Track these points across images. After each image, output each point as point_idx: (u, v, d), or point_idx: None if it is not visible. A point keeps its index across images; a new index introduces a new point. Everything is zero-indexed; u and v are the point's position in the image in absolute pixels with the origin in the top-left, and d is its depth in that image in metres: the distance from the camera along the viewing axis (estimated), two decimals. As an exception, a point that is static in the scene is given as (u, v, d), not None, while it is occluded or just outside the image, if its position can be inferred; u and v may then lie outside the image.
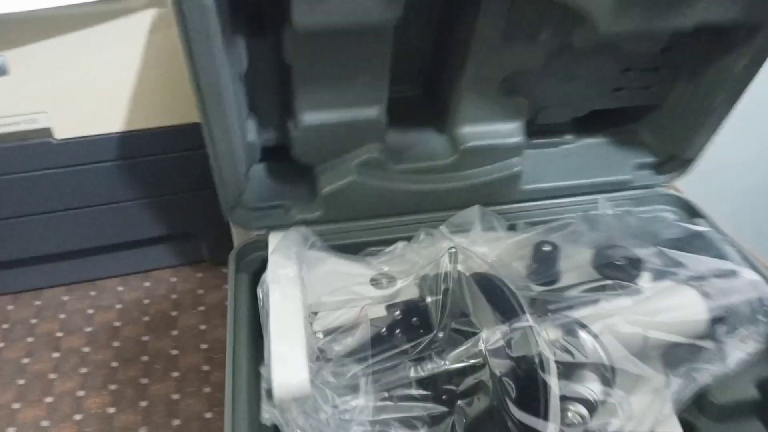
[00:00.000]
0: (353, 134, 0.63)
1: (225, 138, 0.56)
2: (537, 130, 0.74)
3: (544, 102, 0.69)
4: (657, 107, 0.73)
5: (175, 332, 0.77)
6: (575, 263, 0.55)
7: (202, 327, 0.78)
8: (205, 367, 0.72)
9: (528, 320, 0.44)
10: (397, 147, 0.68)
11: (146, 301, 0.81)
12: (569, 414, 0.43)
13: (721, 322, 0.51)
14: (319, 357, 0.47)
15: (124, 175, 0.74)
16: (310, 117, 0.61)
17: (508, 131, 0.68)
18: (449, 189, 0.68)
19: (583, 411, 0.43)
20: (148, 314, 0.79)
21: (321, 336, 0.50)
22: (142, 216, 0.78)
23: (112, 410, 0.67)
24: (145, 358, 0.73)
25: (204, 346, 0.75)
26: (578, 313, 0.49)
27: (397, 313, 0.51)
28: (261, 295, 0.50)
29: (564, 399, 0.44)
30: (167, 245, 0.85)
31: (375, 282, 0.55)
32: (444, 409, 0.44)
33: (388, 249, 0.61)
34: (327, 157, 0.65)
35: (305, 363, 0.43)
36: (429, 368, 0.44)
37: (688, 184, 0.73)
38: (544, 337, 0.46)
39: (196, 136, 0.68)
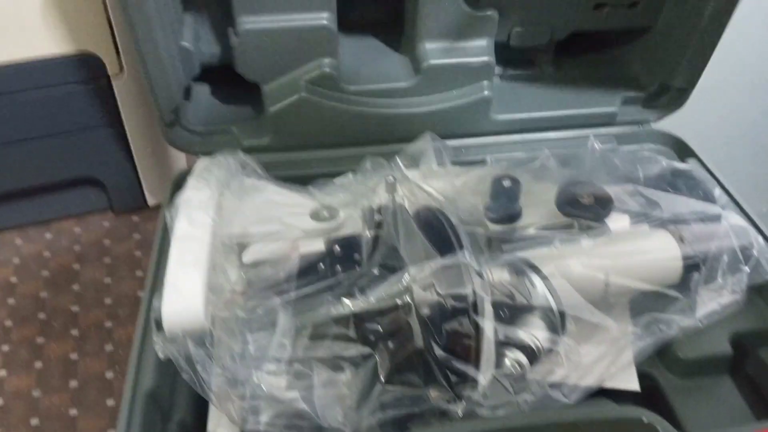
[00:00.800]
0: (301, 45, 0.67)
1: (150, 39, 0.60)
2: (512, 58, 0.77)
3: (516, 17, 0.73)
4: (644, 31, 0.76)
5: (76, 287, 0.81)
6: (538, 201, 0.60)
7: (107, 281, 0.82)
8: (108, 324, 0.77)
9: (464, 256, 0.47)
10: (352, 65, 0.72)
11: (46, 254, 0.85)
12: (506, 361, 0.48)
13: (696, 269, 0.56)
14: (234, 290, 0.51)
15: (10, 112, 0.77)
16: (250, 22, 0.65)
17: (475, 49, 0.72)
18: (410, 115, 0.72)
19: (522, 359, 0.48)
20: (47, 268, 0.84)
21: (247, 268, 0.54)
22: (38, 159, 0.81)
23: (2, 373, 0.72)
24: (42, 315, 0.78)
25: (108, 301, 0.80)
26: (532, 254, 0.54)
27: (336, 248, 0.55)
28: (168, 220, 0.53)
29: (502, 345, 0.49)
30: (70, 192, 0.88)
31: (315, 214, 0.59)
32: (367, 350, 0.49)
33: (336, 180, 0.66)
34: (274, 73, 0.69)
35: (201, 293, 0.47)
36: (351, 306, 0.48)
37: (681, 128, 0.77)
38: (488, 278, 0.51)
39: (91, 65, 0.74)
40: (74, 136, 0.81)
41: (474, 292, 0.47)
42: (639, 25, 0.75)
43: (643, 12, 0.74)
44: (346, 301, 0.48)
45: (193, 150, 0.71)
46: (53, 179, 0.85)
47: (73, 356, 0.73)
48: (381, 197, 0.57)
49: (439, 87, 0.72)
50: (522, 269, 0.52)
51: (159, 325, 0.46)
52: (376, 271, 0.51)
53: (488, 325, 0.47)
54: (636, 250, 0.56)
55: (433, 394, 0.48)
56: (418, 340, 0.47)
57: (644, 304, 0.55)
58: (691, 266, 0.56)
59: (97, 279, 0.82)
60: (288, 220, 0.58)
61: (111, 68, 0.77)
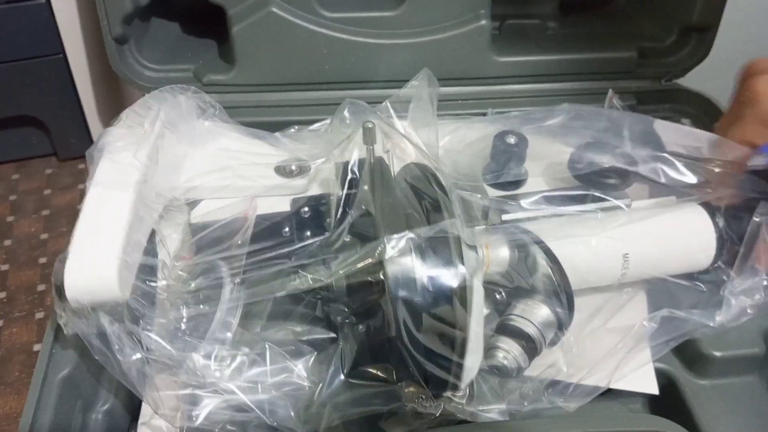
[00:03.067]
0: None
1: None
2: (514, 10, 0.73)
3: None
4: None
5: (8, 242, 0.77)
6: (547, 164, 0.54)
7: (44, 236, 0.77)
8: (41, 287, 0.72)
9: (454, 226, 0.41)
10: None
11: None
12: (499, 354, 0.42)
13: (728, 255, 0.50)
14: (178, 256, 0.46)
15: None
16: None
17: None
18: (396, 47, 0.67)
19: (517, 351, 0.42)
20: None
21: (196, 229, 0.48)
22: None
23: None
24: None
25: (43, 260, 0.75)
26: (537, 227, 0.47)
27: (305, 209, 0.50)
28: (89, 166, 0.47)
29: (495, 334, 0.43)
30: (6, 133, 0.84)
31: (281, 168, 0.53)
32: (329, 334, 0.43)
33: (311, 128, 0.59)
34: None
35: (116, 256, 0.40)
36: (310, 280, 0.42)
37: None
38: (483, 254, 0.44)
39: None
40: (9, 67, 0.76)
41: (462, 271, 0.40)
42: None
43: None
44: (306, 273, 0.42)
45: (145, 82, 0.66)
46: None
47: (-2, 323, 0.69)
48: (358, 150, 0.50)
49: (428, 17, 0.67)
50: (524, 244, 0.45)
51: (61, 293, 0.39)
52: (347, 239, 0.44)
53: (477, 310, 0.40)
54: (661, 228, 0.50)
55: (407, 390, 0.42)
56: (391, 326, 0.40)
57: (660, 293, 0.50)
58: (723, 250, 0.50)
59: (32, 234, 0.78)
60: (247, 173, 0.52)
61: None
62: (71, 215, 0.80)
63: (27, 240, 0.76)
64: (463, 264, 0.40)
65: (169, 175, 0.50)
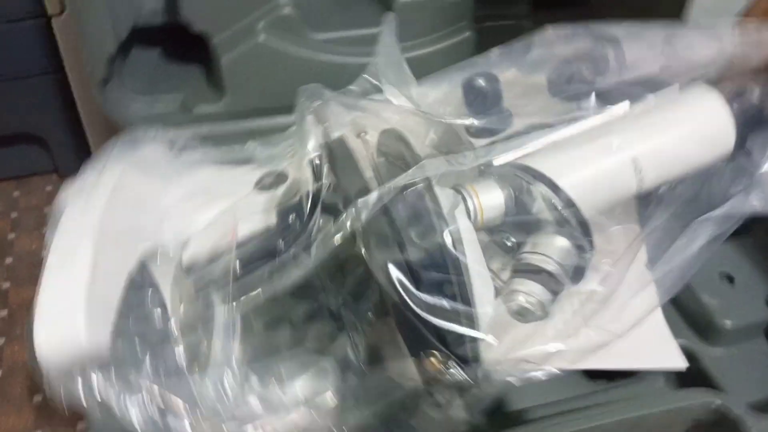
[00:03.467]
0: None
1: None
2: (490, 12, 0.74)
3: None
4: None
5: (9, 259, 0.76)
6: (531, 101, 0.49)
7: (44, 253, 0.76)
8: None
9: (424, 167, 0.37)
10: (313, 10, 0.66)
11: None
12: (519, 297, 0.38)
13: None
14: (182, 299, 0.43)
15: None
16: None
17: None
18: None
19: (537, 289, 0.37)
20: None
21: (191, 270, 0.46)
22: None
23: None
24: None
25: None
26: (534, 162, 0.42)
27: (292, 216, 0.46)
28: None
29: (512, 277, 0.39)
30: (7, 151, 0.83)
31: (260, 182, 0.51)
32: (331, 325, 0.40)
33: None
34: (226, 20, 0.64)
35: (81, 305, 0.38)
36: (291, 273, 0.39)
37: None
38: (474, 202, 0.40)
39: (28, 2, 0.68)
40: (9, 85, 0.76)
41: (438, 210, 0.36)
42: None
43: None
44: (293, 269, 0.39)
45: (132, 118, 0.64)
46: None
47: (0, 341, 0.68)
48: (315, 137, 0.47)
49: (414, 31, 0.68)
50: (517, 180, 0.41)
51: (34, 360, 0.37)
52: (321, 221, 0.41)
53: (471, 248, 0.36)
54: (666, 120, 0.45)
55: (430, 363, 0.36)
56: (387, 296, 0.36)
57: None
58: (746, 131, 0.45)
59: (33, 251, 0.77)
60: (228, 198, 0.49)
61: (50, 6, 0.71)
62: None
63: (28, 257, 0.76)
64: (438, 204, 0.37)
65: (140, 215, 0.47)
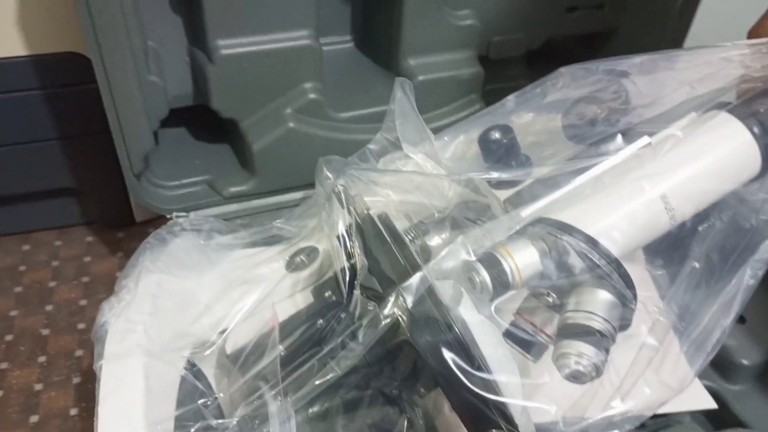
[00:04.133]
0: (283, 68, 0.65)
1: (121, 69, 0.57)
2: (490, 76, 0.77)
3: (495, 26, 0.75)
4: (611, 34, 0.83)
5: (49, 307, 0.78)
6: (546, 143, 0.50)
7: (83, 302, 0.79)
8: (79, 352, 0.73)
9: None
10: (335, 91, 0.70)
11: (21, 268, 0.83)
12: (569, 361, 0.37)
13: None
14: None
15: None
16: (227, 46, 0.62)
17: (461, 61, 0.73)
18: None
19: (588, 350, 0.37)
20: (20, 284, 0.81)
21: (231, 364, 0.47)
22: (17, 166, 0.78)
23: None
24: (9, 337, 0.75)
25: (81, 326, 0.76)
26: (558, 211, 0.42)
27: (328, 293, 0.48)
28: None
29: (559, 339, 0.39)
30: (51, 202, 0.85)
31: (290, 263, 0.52)
32: (390, 410, 0.41)
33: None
34: (254, 106, 0.66)
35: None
36: (338, 365, 0.39)
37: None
38: (511, 264, 0.40)
39: (78, 67, 0.70)
40: (58, 144, 0.78)
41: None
42: (606, 27, 0.82)
43: (610, 13, 0.81)
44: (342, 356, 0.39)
45: (168, 207, 0.66)
46: (32, 189, 0.83)
47: (38, 386, 0.70)
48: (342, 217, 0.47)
49: (430, 104, 0.73)
50: (549, 235, 0.40)
51: None
52: (369, 306, 0.42)
53: (480, 330, 0.36)
54: (690, 150, 0.44)
55: None
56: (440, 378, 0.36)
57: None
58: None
59: (71, 300, 0.79)
60: (261, 284, 0.50)
61: (99, 71, 0.74)
62: (109, 283, 0.81)
63: (67, 306, 0.78)
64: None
65: (182, 314, 0.49)
